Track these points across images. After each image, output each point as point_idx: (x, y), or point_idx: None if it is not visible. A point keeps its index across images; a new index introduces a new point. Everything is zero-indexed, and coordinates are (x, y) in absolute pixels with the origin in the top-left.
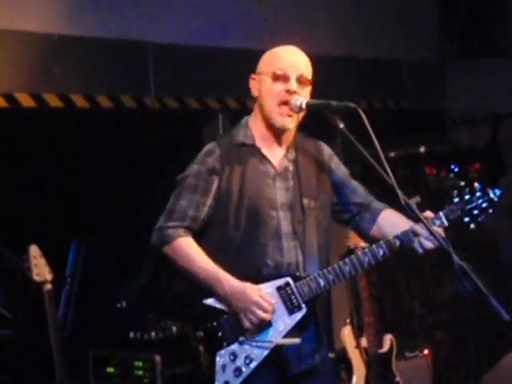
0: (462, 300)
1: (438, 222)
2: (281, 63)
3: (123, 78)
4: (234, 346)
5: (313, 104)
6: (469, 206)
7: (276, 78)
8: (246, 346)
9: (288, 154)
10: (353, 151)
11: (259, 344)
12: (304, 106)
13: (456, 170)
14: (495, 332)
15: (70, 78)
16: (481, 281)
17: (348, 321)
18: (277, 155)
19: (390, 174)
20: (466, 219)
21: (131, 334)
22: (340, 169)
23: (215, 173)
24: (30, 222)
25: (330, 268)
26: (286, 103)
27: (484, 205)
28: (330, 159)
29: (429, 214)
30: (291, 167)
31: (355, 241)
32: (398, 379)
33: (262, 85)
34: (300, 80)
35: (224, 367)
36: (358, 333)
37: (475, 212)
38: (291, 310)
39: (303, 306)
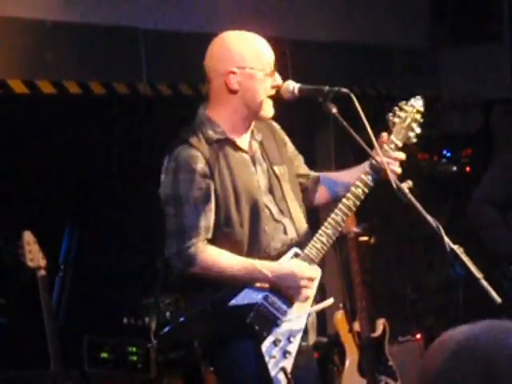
0: (453, 284)
1: (392, 146)
2: (269, 59)
3: (116, 65)
4: (274, 333)
5: (305, 89)
6: (407, 122)
7: (268, 73)
8: (284, 327)
9: (255, 136)
10: (345, 136)
11: (295, 319)
12: (297, 91)
13: (448, 155)
14: (487, 315)
15: (62, 64)
16: (472, 264)
17: (341, 305)
18: (245, 142)
19: (383, 159)
20: (410, 134)
21: (125, 320)
22: (289, 143)
23: (207, 176)
24: (23, 208)
25: (325, 223)
26: (271, 97)
27: (417, 116)
28: (281, 133)
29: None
30: (259, 149)
31: (347, 226)
32: (390, 363)
33: (250, 80)
34: (283, 66)
35: (273, 355)
36: (350, 317)
37: (413, 125)
38: (310, 271)
39: (317, 267)
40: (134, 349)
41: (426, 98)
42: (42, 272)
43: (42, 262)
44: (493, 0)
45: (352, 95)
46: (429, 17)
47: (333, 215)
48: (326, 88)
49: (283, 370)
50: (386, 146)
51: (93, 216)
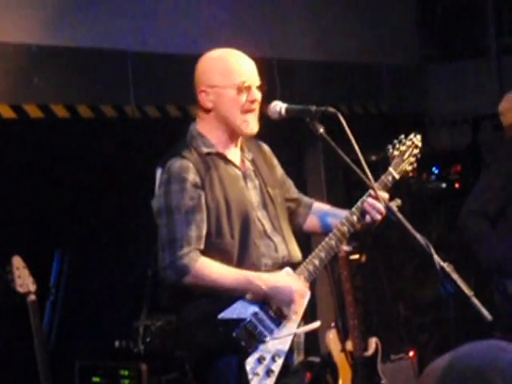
0: (444, 301)
1: (390, 178)
2: (240, 74)
3: (103, 88)
4: (259, 350)
5: (292, 110)
6: (406, 155)
7: (239, 89)
8: (270, 346)
9: (246, 155)
10: (334, 156)
11: (281, 339)
12: (284, 111)
13: (437, 172)
14: (479, 331)
15: (49, 88)
16: (463, 282)
17: (333, 324)
18: (237, 158)
19: (371, 178)
20: (409, 168)
21: (116, 343)
22: (278, 166)
23: (198, 187)
24: (12, 233)
25: (319, 246)
26: (250, 111)
27: (415, 151)
28: (271, 156)
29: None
30: (251, 166)
31: None
32: (383, 382)
33: (222, 98)
34: (258, 88)
35: (257, 373)
36: (343, 336)
37: (411, 159)
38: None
39: (307, 290)
40: (126, 372)
41: (414, 114)
42: (32, 297)
43: (32, 287)
44: (480, 16)
45: (339, 114)
46: (416, 33)
47: (327, 239)
48: (313, 108)
49: None
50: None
51: (83, 240)
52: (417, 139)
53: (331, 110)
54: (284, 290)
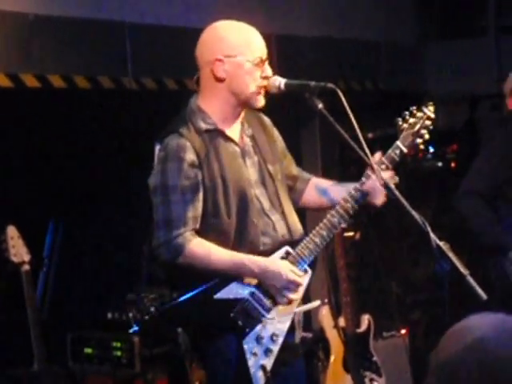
0: (438, 280)
1: (398, 152)
2: (258, 48)
3: (100, 59)
4: (257, 329)
5: (291, 84)
6: (417, 128)
7: (257, 63)
8: (268, 325)
9: (245, 130)
10: (331, 132)
11: (281, 318)
12: (283, 86)
13: (433, 150)
14: (472, 312)
15: (46, 58)
16: (458, 260)
17: (326, 301)
18: (236, 133)
19: (369, 155)
20: (419, 140)
21: (109, 315)
22: (279, 139)
23: (195, 166)
24: (6, 203)
25: (320, 224)
26: (262, 87)
27: (427, 122)
28: (272, 129)
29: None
30: (250, 142)
31: None
32: (375, 359)
33: (238, 69)
34: (269, 61)
35: (254, 352)
36: (335, 313)
37: (422, 132)
38: (299, 276)
39: (308, 268)
40: (119, 344)
41: (411, 92)
42: (26, 267)
43: (26, 257)
44: None
45: (338, 90)
46: (415, 11)
47: (329, 216)
48: (312, 83)
49: (263, 367)
50: (376, 166)
51: (78, 211)
52: (429, 110)
53: (330, 85)
54: (275, 275)
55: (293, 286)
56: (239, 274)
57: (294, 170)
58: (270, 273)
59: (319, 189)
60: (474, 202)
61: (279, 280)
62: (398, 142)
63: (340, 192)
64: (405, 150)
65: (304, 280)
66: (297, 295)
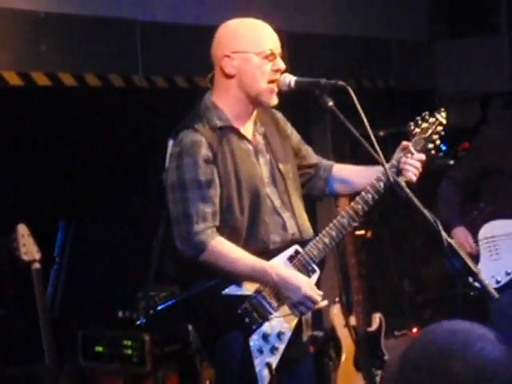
0: (450, 278)
1: (409, 155)
2: (268, 42)
3: (111, 57)
4: (264, 327)
5: (301, 82)
6: (429, 133)
7: (266, 57)
8: (275, 323)
9: (258, 128)
10: (342, 130)
11: (287, 317)
12: (293, 84)
13: (445, 149)
14: (483, 310)
15: (57, 56)
16: (470, 259)
17: (337, 299)
18: (249, 131)
19: (380, 153)
20: (430, 146)
21: (120, 313)
22: (294, 133)
23: (211, 162)
24: (18, 201)
25: (330, 225)
26: (274, 81)
27: (439, 128)
28: (285, 124)
29: (405, 144)
30: (262, 140)
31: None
32: (386, 357)
33: (246, 64)
34: (281, 58)
35: (260, 350)
36: (346, 311)
37: (434, 137)
38: (307, 276)
39: (316, 268)
40: (129, 342)
41: (423, 90)
42: (37, 265)
43: (37, 255)
44: None
45: (349, 88)
46: (427, 9)
47: (339, 217)
48: (323, 81)
49: (268, 365)
50: (411, 148)
51: (88, 211)
52: (442, 116)
53: (341, 83)
54: (295, 289)
55: (309, 302)
56: (257, 280)
57: (314, 158)
58: (289, 285)
59: (344, 175)
60: (446, 188)
61: (297, 294)
62: (411, 147)
63: (366, 177)
64: (416, 154)
65: (312, 280)
66: (311, 310)
